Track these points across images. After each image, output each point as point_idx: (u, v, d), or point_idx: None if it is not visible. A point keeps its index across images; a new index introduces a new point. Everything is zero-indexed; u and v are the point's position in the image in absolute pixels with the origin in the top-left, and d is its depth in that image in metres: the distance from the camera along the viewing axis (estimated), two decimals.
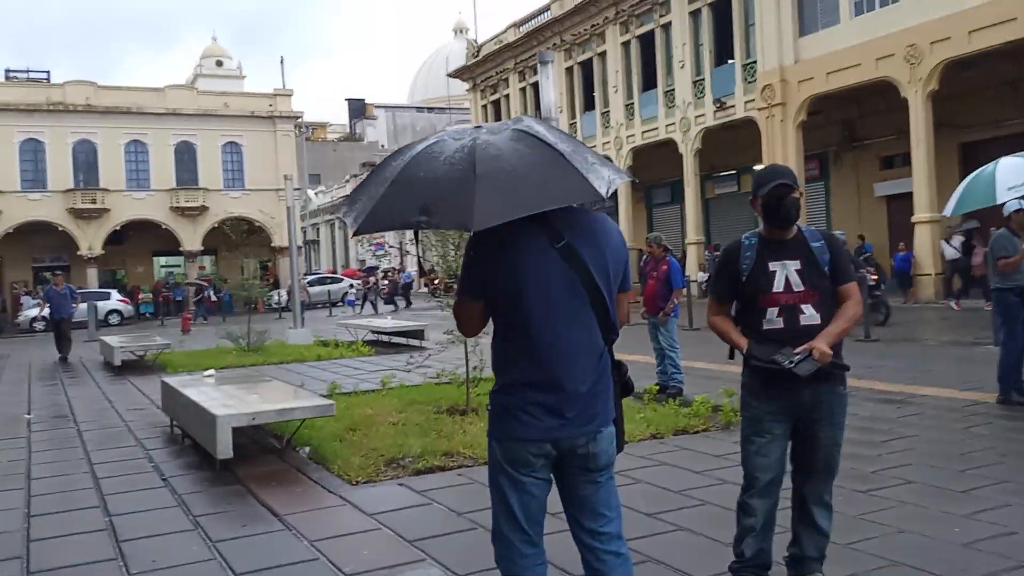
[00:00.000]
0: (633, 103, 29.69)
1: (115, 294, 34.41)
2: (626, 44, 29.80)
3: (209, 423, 6.39)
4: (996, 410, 7.22)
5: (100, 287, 36.72)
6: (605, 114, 31.10)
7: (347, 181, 54.11)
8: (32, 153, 38.92)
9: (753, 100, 24.28)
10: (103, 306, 30.92)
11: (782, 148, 22.94)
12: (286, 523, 5.00)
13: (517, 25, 35.44)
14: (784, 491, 3.50)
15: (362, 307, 32.53)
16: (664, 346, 8.90)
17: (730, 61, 25.66)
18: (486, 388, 6.95)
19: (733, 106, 25.31)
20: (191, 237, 41.12)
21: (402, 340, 16.17)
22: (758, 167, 22.03)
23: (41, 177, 38.95)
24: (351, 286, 37.21)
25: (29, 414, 9.94)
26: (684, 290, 10.52)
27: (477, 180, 2.29)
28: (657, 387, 8.59)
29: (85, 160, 39.79)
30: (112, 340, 15.61)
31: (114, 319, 32.21)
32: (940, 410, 7.36)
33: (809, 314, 3.28)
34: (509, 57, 36.08)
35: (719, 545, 4.04)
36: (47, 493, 6.03)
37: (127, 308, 33.82)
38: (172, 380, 8.60)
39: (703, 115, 26.43)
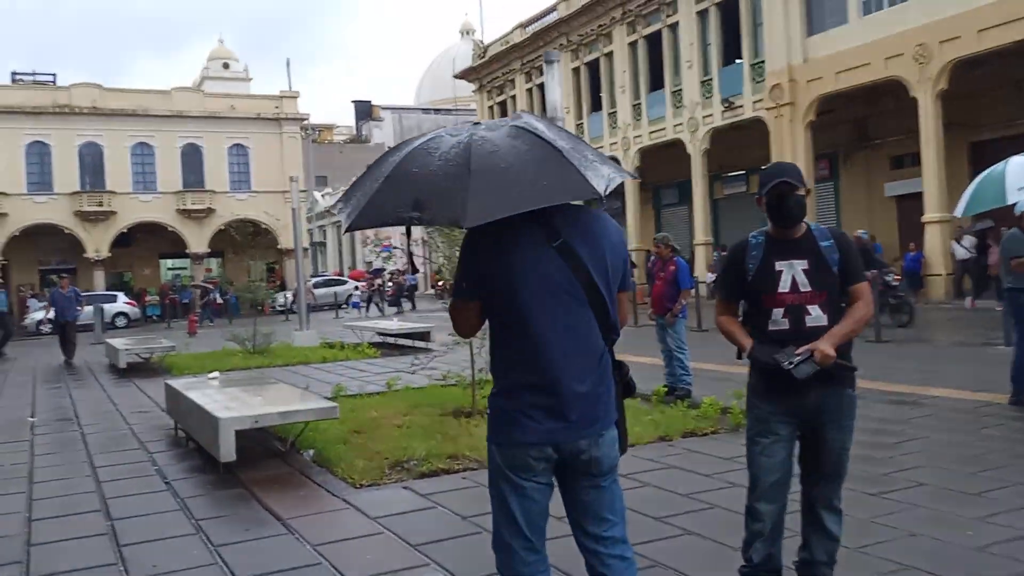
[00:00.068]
0: (640, 103, 29.61)
1: (122, 297, 34.52)
2: (633, 44, 29.72)
3: (212, 426, 6.34)
4: (1009, 411, 7.11)
5: (107, 290, 36.82)
6: (612, 115, 31.02)
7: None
8: (38, 156, 39.05)
9: (761, 100, 24.17)
10: (110, 309, 31.00)
11: (791, 148, 22.83)
12: (289, 527, 4.94)
13: (523, 26, 35.39)
14: (793, 494, 3.42)
15: (367, 309, 32.52)
16: (672, 347, 8.81)
17: (738, 61, 25.56)
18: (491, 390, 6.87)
19: (741, 106, 25.20)
20: (198, 239, 41.19)
21: (408, 342, 16.12)
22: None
23: (47, 180, 39.07)
24: (356, 288, 37.19)
25: (33, 417, 9.92)
26: (692, 291, 10.43)
27: (471, 176, 2.24)
28: (665, 389, 8.51)
29: (91, 163, 39.89)
30: (117, 342, 15.60)
31: (121, 322, 32.30)
32: (952, 411, 7.27)
33: (816, 315, 3.20)
34: (516, 58, 36.04)
35: (728, 549, 3.97)
36: (49, 497, 5.99)
37: (134, 311, 33.93)
38: (176, 383, 8.56)
39: (711, 115, 26.33)
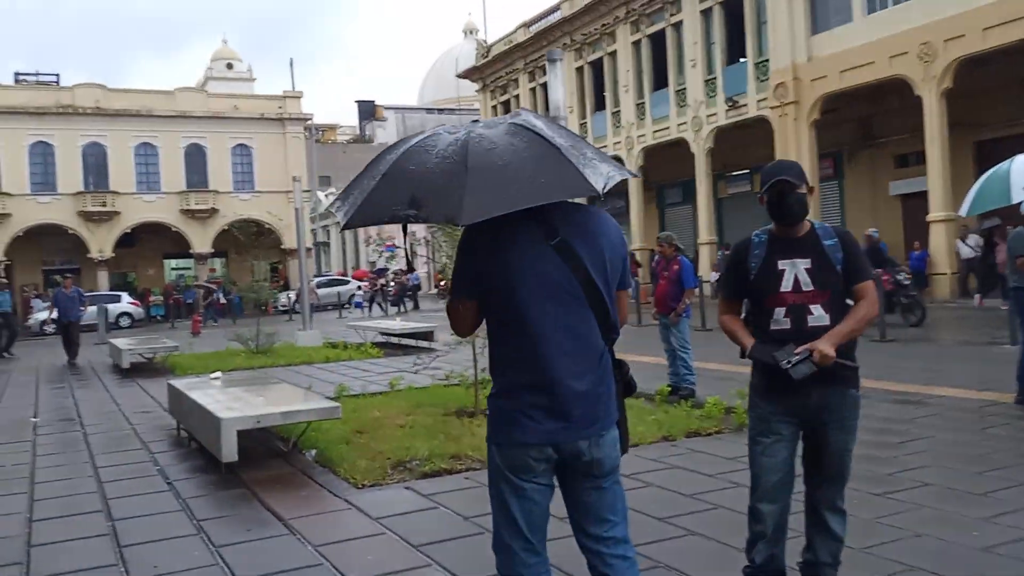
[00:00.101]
0: (644, 103, 29.55)
1: (126, 297, 34.56)
2: (637, 43, 29.67)
3: (214, 426, 6.32)
4: (1014, 410, 7.07)
5: (111, 290, 36.86)
6: (616, 114, 30.96)
7: None
8: (41, 156, 39.13)
9: (766, 99, 24.11)
10: (114, 309, 31.06)
11: (795, 147, 22.76)
12: (290, 527, 4.92)
13: (527, 25, 35.35)
14: (798, 495, 3.39)
15: (370, 309, 32.52)
16: (676, 347, 8.78)
17: (742, 60, 25.49)
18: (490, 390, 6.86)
19: (745, 105, 25.14)
20: (201, 239, 41.24)
21: (411, 342, 16.11)
22: None
23: (51, 180, 39.16)
24: (359, 288, 37.18)
25: (35, 417, 9.91)
26: (696, 290, 10.40)
27: (468, 174, 2.22)
28: (669, 388, 8.48)
29: (95, 163, 39.96)
30: (121, 343, 15.60)
31: (125, 322, 32.33)
32: (957, 411, 7.22)
33: (818, 315, 3.16)
34: (519, 57, 36.00)
35: (732, 550, 3.94)
36: (50, 497, 5.98)
37: (138, 311, 33.96)
38: (178, 383, 8.54)
39: (715, 114, 26.27)
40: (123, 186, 40.18)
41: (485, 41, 40.70)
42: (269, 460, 6.76)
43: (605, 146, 30.93)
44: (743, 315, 3.41)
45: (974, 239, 18.87)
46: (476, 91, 41.90)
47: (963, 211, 9.04)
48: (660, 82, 28.83)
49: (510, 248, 2.45)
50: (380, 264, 36.20)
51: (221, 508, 5.54)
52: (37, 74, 45.12)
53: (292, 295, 33.18)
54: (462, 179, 2.22)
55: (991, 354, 10.58)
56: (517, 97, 36.63)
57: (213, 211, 41.11)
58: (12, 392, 12.77)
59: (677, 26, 27.67)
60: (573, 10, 31.81)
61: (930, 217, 19.72)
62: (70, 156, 39.40)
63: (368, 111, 77.40)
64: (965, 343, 12.14)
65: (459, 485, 5.59)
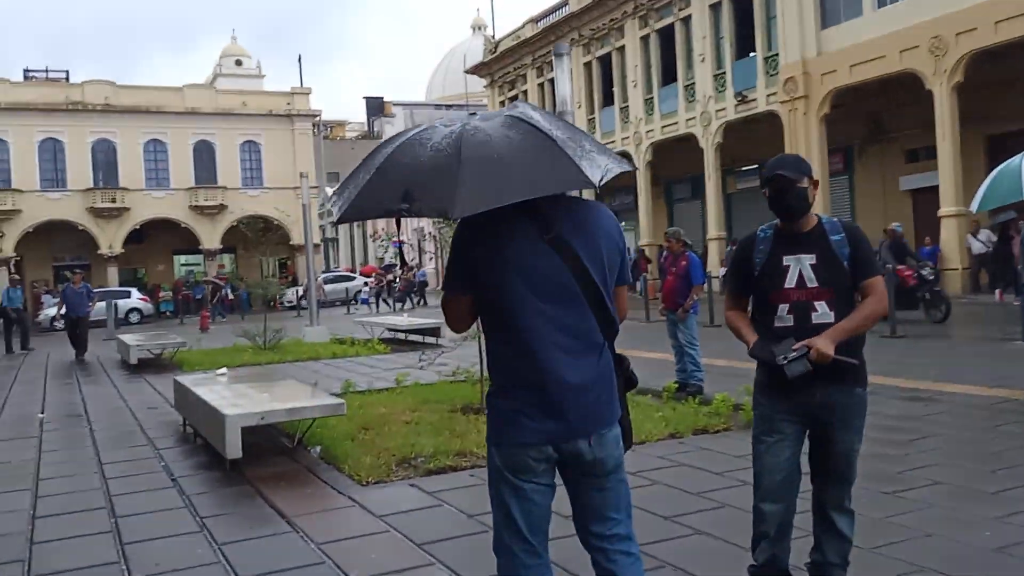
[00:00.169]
0: (652, 98, 29.43)
1: (135, 292, 34.64)
2: (645, 38, 29.54)
3: (218, 422, 6.30)
4: None
5: (121, 285, 36.98)
6: (624, 109, 30.86)
7: None
8: (51, 152, 39.27)
9: (775, 93, 23.97)
10: (123, 304, 31.15)
11: (805, 142, 22.63)
12: (294, 525, 4.88)
13: (535, 20, 35.25)
14: (805, 494, 3.33)
15: (377, 305, 32.51)
16: (683, 343, 8.71)
17: (751, 54, 25.35)
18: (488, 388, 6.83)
19: (755, 99, 25.00)
20: (210, 236, 41.33)
21: (418, 338, 16.08)
22: None
23: (61, 176, 39.31)
24: (365, 284, 37.17)
25: (42, 413, 9.92)
26: (704, 286, 10.33)
27: (462, 166, 2.17)
28: (676, 385, 8.41)
29: (104, 159, 40.09)
30: (129, 338, 15.62)
31: (134, 317, 32.41)
32: (969, 408, 7.14)
33: (822, 312, 3.08)
34: (527, 53, 35.90)
35: (739, 549, 3.87)
36: (54, 494, 5.96)
37: (147, 306, 34.05)
38: (184, 379, 8.53)
39: (724, 109, 26.14)
40: (132, 182, 40.30)
41: (493, 37, 40.61)
42: (274, 456, 6.74)
43: (613, 141, 30.83)
44: (751, 311, 3.35)
45: (985, 234, 18.72)
46: (484, 87, 41.84)
47: (974, 207, 8.94)
48: (669, 77, 28.70)
49: (503, 243, 2.39)
50: (389, 260, 36.17)
51: (224, 505, 5.51)
52: (47, 71, 45.23)
53: (299, 291, 33.20)
54: (455, 172, 2.17)
55: (1003, 350, 10.48)
56: (525, 92, 36.54)
57: (222, 207, 41.19)
58: (20, 388, 12.79)
59: (686, 20, 27.53)
60: (581, 5, 31.69)
61: (941, 212, 19.58)
62: (79, 152, 39.54)
63: (376, 107, 77.35)
64: (977, 339, 12.04)
65: (464, 483, 5.54)
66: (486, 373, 8.07)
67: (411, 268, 32.28)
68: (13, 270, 36.38)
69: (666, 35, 28.62)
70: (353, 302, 35.01)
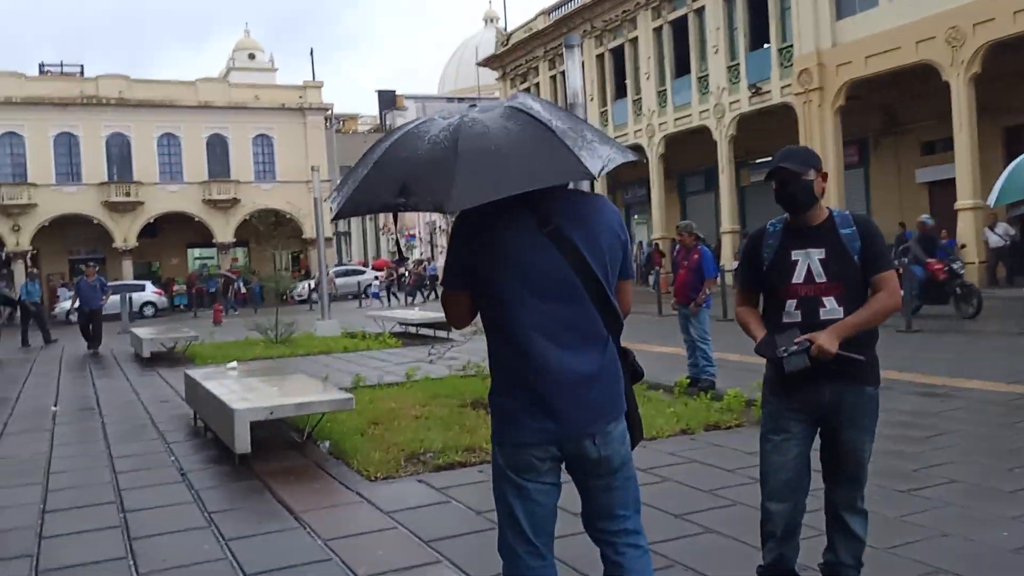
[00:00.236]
0: (666, 90, 29.26)
1: (150, 286, 34.80)
2: (658, 30, 29.35)
3: (227, 417, 6.28)
4: None
5: (135, 279, 37.15)
6: (637, 101, 30.69)
7: None
8: (66, 147, 39.46)
9: (789, 85, 23.77)
10: (138, 298, 31.30)
11: (820, 134, 22.44)
12: (301, 521, 4.86)
13: (547, 12, 35.08)
14: (819, 491, 3.26)
15: (388, 299, 32.54)
16: (695, 337, 8.64)
17: (766, 45, 25.15)
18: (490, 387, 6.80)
19: (769, 91, 24.80)
20: (223, 229, 41.45)
21: (429, 332, 16.05)
22: None
23: (76, 171, 39.51)
24: (375, 278, 37.20)
25: (55, 406, 9.95)
26: (717, 280, 10.25)
27: (458, 159, 2.12)
28: (688, 380, 8.35)
29: (119, 153, 40.26)
30: (142, 332, 15.68)
31: (149, 311, 32.58)
32: (986, 404, 7.04)
33: (830, 307, 3.01)
34: (539, 45, 35.76)
35: (751, 548, 3.81)
36: (65, 488, 5.97)
37: (161, 300, 34.20)
38: (195, 373, 8.53)
39: (738, 101, 25.95)
40: (146, 176, 40.45)
41: (505, 29, 40.48)
42: (283, 451, 6.72)
43: (626, 134, 30.68)
44: (761, 307, 3.29)
45: (1003, 227, 18.51)
46: (496, 79, 41.70)
47: (991, 201, 8.82)
48: (682, 69, 28.52)
49: (500, 237, 2.34)
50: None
51: (233, 500, 5.50)
52: (61, 65, 45.38)
53: (310, 284, 33.27)
54: (452, 165, 2.11)
55: (1021, 345, 10.34)
56: (537, 85, 36.41)
57: (235, 201, 41.29)
58: (34, 381, 12.86)
59: (699, 12, 27.33)
60: None
61: (958, 205, 19.37)
62: (94, 146, 39.72)
63: (389, 101, 77.33)
64: (994, 333, 11.88)
65: (472, 478, 5.50)
66: None
67: (407, 260, 32.26)
68: (30, 264, 36.67)
69: (679, 26, 28.42)
70: (364, 296, 35.06)
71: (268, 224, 17.60)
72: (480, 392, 8.05)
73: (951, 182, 19.90)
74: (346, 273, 39.89)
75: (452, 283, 2.47)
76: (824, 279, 3.03)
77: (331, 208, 2.44)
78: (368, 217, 58.64)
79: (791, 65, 23.73)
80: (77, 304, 17.85)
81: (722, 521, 4.42)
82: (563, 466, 2.48)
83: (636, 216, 35.12)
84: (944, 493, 4.68)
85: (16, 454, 7.32)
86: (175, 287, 37.74)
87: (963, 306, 13.41)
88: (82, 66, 45.10)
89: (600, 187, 31.94)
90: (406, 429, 6.87)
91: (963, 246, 18.36)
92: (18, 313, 20.34)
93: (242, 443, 6.10)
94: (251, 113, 42.68)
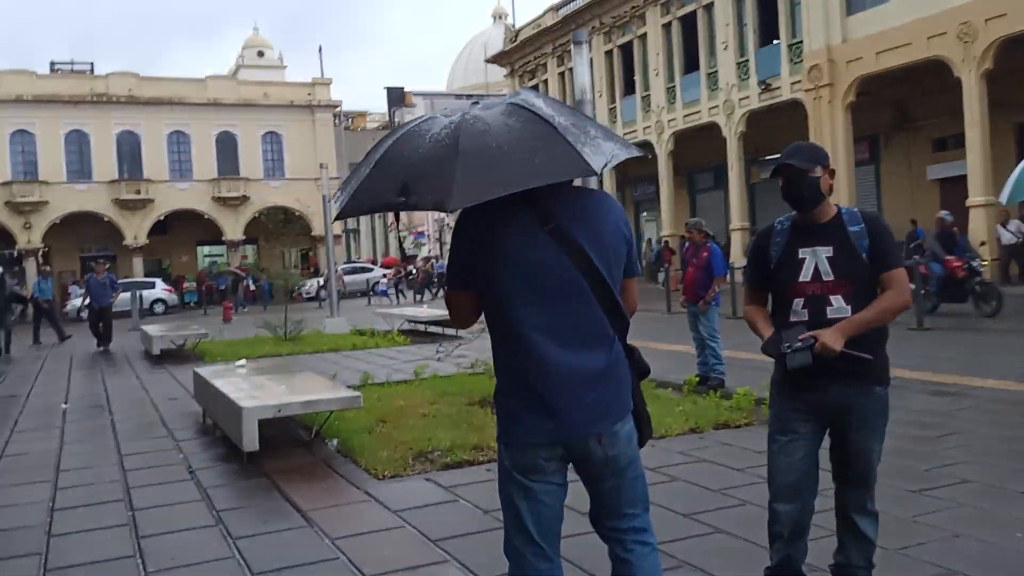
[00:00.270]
0: (675, 86, 29.15)
1: (160, 283, 34.92)
2: (667, 26, 29.25)
3: (236, 415, 6.28)
4: None
5: (145, 276, 37.32)
6: (646, 98, 30.59)
7: None
8: (77, 144, 39.68)
9: (800, 81, 23.64)
10: (148, 295, 31.43)
11: (830, 130, 22.32)
12: (309, 519, 4.86)
13: (555, 9, 34.99)
14: (828, 491, 3.23)
15: (397, 296, 32.54)
16: (705, 336, 8.60)
17: (775, 41, 25.01)
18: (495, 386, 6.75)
19: (779, 88, 24.68)
20: (233, 227, 41.59)
21: (438, 329, 16.04)
22: None
23: (86, 168, 39.73)
24: (383, 276, 37.23)
25: (66, 404, 9.99)
26: (726, 278, 10.19)
27: (459, 157, 2.09)
28: (697, 378, 8.32)
29: (129, 151, 40.46)
30: (151, 329, 15.73)
31: (159, 308, 32.70)
32: (998, 403, 6.98)
33: (838, 306, 2.96)
34: (547, 42, 35.68)
35: (760, 549, 3.77)
36: (74, 486, 5.98)
37: (171, 297, 34.32)
38: (204, 370, 8.54)
39: (747, 97, 25.84)
40: (156, 174, 40.63)
41: (513, 26, 40.41)
42: (292, 449, 6.72)
43: (635, 131, 30.59)
44: (771, 306, 3.25)
45: (1015, 224, 18.36)
46: (505, 76, 41.66)
47: (1003, 199, 8.72)
48: (691, 65, 28.41)
49: (501, 236, 2.32)
50: (409, 250, 36.21)
51: (241, 498, 5.50)
52: (72, 63, 45.62)
53: (318, 282, 33.31)
54: (452, 163, 2.09)
55: None
56: (546, 82, 36.35)
57: (244, 198, 41.43)
58: (45, 378, 12.91)
59: (708, 8, 27.21)
60: None
61: (969, 202, 19.24)
62: (104, 144, 39.91)
63: (397, 97, 77.31)
64: (1007, 331, 11.78)
65: (480, 477, 5.47)
66: None
67: (416, 256, 32.22)
68: (42, 261, 36.85)
69: (688, 23, 28.31)
70: (372, 293, 35.10)
71: (277, 222, 17.64)
72: (488, 390, 8.02)
73: (963, 179, 19.77)
74: (354, 271, 39.94)
75: (455, 283, 2.45)
76: (831, 277, 2.99)
77: (334, 207, 2.43)
78: (377, 214, 58.67)
79: (801, 61, 23.61)
80: (87, 301, 17.89)
81: (731, 521, 4.39)
82: (570, 466, 2.47)
83: (645, 213, 35.04)
84: (956, 493, 4.63)
85: (26, 451, 7.34)
86: (185, 284, 37.87)
87: (982, 304, 13.13)
88: (92, 64, 45.37)
89: (608, 184, 31.88)
90: (414, 427, 6.86)
91: (983, 243, 18.19)
92: (29, 310, 20.40)
93: (250, 441, 6.10)
94: (260, 110, 42.80)
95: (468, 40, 78.31)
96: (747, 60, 25.91)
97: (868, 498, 3.15)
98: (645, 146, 29.25)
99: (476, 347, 9.13)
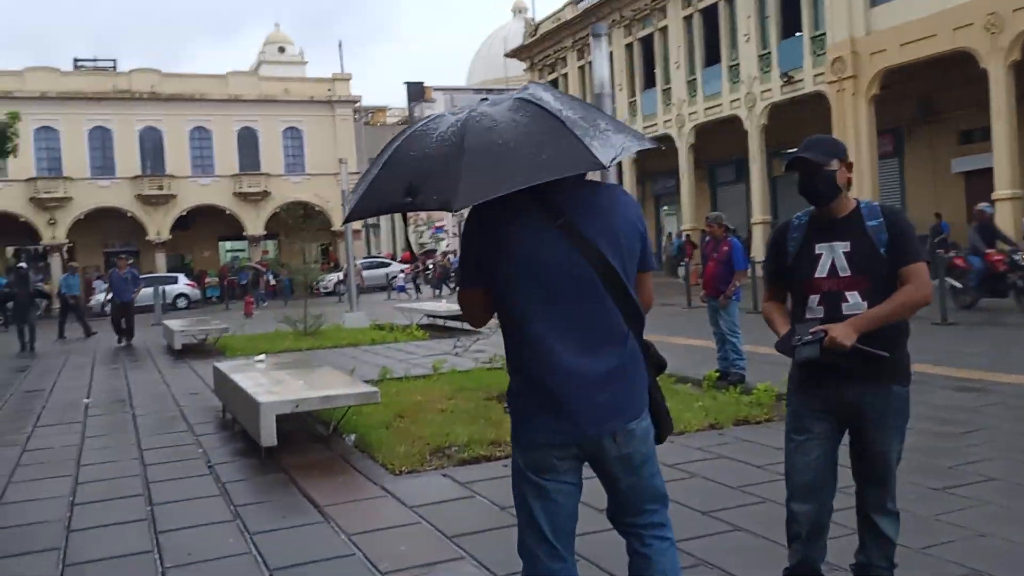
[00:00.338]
0: (695, 79, 28.96)
1: (182, 278, 35.19)
2: (688, 18, 29.05)
3: (254, 410, 6.30)
4: None
5: (168, 271, 37.63)
6: (666, 91, 30.41)
7: None
8: (100, 140, 40.05)
9: (822, 74, 23.40)
10: (171, 290, 31.69)
11: (853, 123, 22.07)
12: (326, 515, 4.85)
13: (575, 2, 34.84)
14: (849, 488, 3.16)
15: (417, 291, 32.57)
16: (725, 331, 8.53)
17: (798, 33, 24.77)
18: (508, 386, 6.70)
19: (801, 80, 24.44)
20: (254, 222, 41.81)
21: (457, 324, 16.04)
22: None
23: (110, 164, 40.09)
24: (401, 271, 37.26)
25: (88, 398, 10.08)
26: (747, 272, 10.09)
27: (464, 155, 2.06)
28: (717, 374, 8.24)
29: (151, 147, 40.78)
30: (173, 324, 15.84)
31: (182, 303, 32.98)
32: (1023, 399, 6.86)
33: (854, 302, 2.89)
34: (567, 35, 35.56)
35: (779, 547, 3.71)
36: (94, 480, 6.02)
37: (194, 292, 34.58)
38: (223, 365, 8.58)
39: (769, 90, 25.61)
40: (179, 170, 40.93)
41: (533, 19, 40.29)
42: (309, 444, 6.74)
43: (655, 124, 30.43)
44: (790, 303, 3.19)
45: None
46: (524, 70, 41.56)
47: None
48: (712, 58, 28.21)
49: (509, 233, 2.28)
50: (429, 245, 36.23)
51: (258, 494, 5.51)
52: (95, 60, 46.09)
53: (336, 277, 33.43)
54: (458, 161, 2.06)
55: None
56: (565, 76, 36.24)
57: (265, 194, 41.64)
58: (68, 373, 13.03)
59: (730, 0, 26.97)
60: None
61: (995, 195, 18.95)
62: (127, 140, 40.26)
63: (417, 92, 77.35)
64: None
65: (497, 473, 5.45)
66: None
67: (434, 252, 32.20)
68: (67, 256, 37.28)
69: (710, 15, 28.10)
70: (390, 288, 35.15)
71: (297, 217, 17.69)
72: (506, 385, 7.99)
73: (988, 172, 19.49)
74: (372, 265, 40.02)
75: (466, 281, 2.43)
76: (848, 273, 2.92)
77: (343, 210, 2.42)
78: None
79: (824, 53, 23.36)
80: (110, 296, 18.03)
81: (750, 519, 4.33)
82: (585, 464, 2.43)
83: (665, 207, 34.85)
84: (981, 491, 4.55)
85: (49, 445, 7.41)
86: (207, 279, 38.13)
87: (1023, 299, 12.68)
88: (115, 61, 45.78)
89: (628, 178, 31.73)
90: (431, 422, 6.85)
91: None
92: (53, 306, 20.60)
93: (268, 436, 6.12)
94: (281, 106, 42.98)
95: (488, 34, 78.20)
96: (769, 52, 25.68)
97: (888, 498, 3.08)
98: (665, 140, 29.07)
99: (494, 342, 9.08)
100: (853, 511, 3.21)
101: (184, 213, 41.07)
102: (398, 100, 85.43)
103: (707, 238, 9.23)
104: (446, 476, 5.52)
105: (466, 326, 15.37)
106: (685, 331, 12.66)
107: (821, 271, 2.96)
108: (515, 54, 40.96)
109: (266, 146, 42.66)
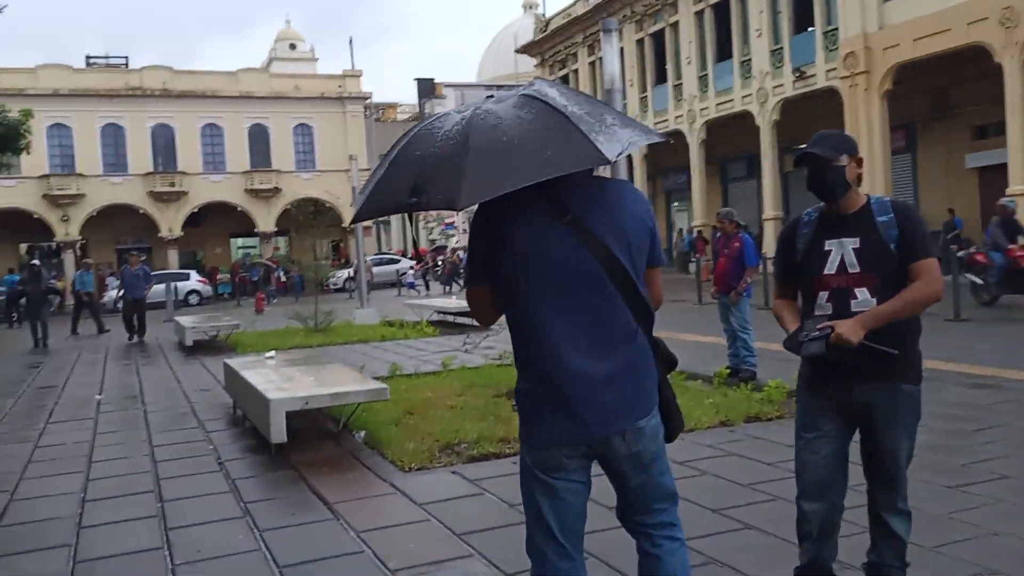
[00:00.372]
0: (707, 74, 28.82)
1: (194, 275, 35.37)
2: (699, 14, 28.91)
3: (264, 406, 6.31)
4: None
5: (180, 268, 37.79)
6: (678, 87, 30.29)
7: None
8: (112, 137, 40.24)
9: (835, 69, 23.24)
10: (183, 286, 31.85)
11: (866, 118, 21.92)
12: (335, 512, 4.86)
13: None
14: (861, 486, 3.13)
15: (427, 287, 32.60)
16: (736, 327, 8.49)
17: (810, 28, 24.61)
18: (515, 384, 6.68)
19: (814, 75, 24.28)
20: (265, 218, 41.95)
21: (466, 320, 16.02)
22: None
23: (122, 161, 40.29)
24: (411, 267, 37.30)
25: (100, 395, 10.13)
26: (758, 268, 10.05)
27: (469, 153, 2.04)
28: (728, 370, 8.20)
29: (163, 144, 40.96)
30: (185, 320, 15.89)
31: (194, 299, 33.13)
32: None
33: (863, 299, 2.85)
34: (578, 31, 35.46)
35: (790, 546, 3.68)
36: (105, 477, 6.04)
37: (206, 288, 34.75)
38: (234, 362, 8.59)
39: (781, 85, 25.46)
40: (190, 166, 41.10)
41: (543, 15, 40.20)
42: (319, 441, 6.74)
43: (666, 120, 30.33)
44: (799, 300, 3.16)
45: None
46: (535, 66, 41.47)
47: None
48: (724, 53, 28.07)
49: (515, 230, 2.26)
50: (440, 242, 36.21)
51: (268, 490, 5.51)
52: (107, 57, 46.21)
53: (347, 273, 33.50)
54: (463, 160, 2.04)
55: None
56: (576, 72, 36.14)
57: (276, 190, 41.76)
58: (81, 369, 13.10)
59: None
60: None
61: (1009, 191, 18.77)
62: (139, 137, 40.44)
63: (428, 89, 77.32)
64: None
65: (506, 470, 5.43)
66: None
67: (444, 248, 32.15)
68: (80, 253, 37.48)
69: (721, 10, 27.96)
70: (400, 284, 35.19)
71: (308, 213, 17.72)
72: (515, 382, 7.99)
73: (1003, 167, 19.32)
74: (381, 262, 40.07)
75: (473, 279, 2.41)
76: (857, 269, 2.89)
77: (351, 210, 2.41)
78: None
79: (836, 48, 23.20)
80: (122, 292, 18.11)
81: (761, 517, 4.31)
82: (593, 462, 2.42)
83: (677, 203, 34.73)
84: (995, 489, 4.51)
85: (61, 442, 7.44)
86: (219, 276, 38.29)
87: None
88: (127, 58, 46.04)
89: (639, 174, 31.64)
90: (441, 419, 6.85)
91: None
92: (66, 303, 20.72)
93: (278, 433, 6.12)
94: (291, 103, 43.08)
95: (498, 30, 78.08)
96: (781, 48, 25.53)
97: (898, 497, 3.05)
98: (676, 135, 28.97)
99: (504, 338, 9.04)
100: (865, 509, 3.18)
101: (196, 210, 41.23)
102: (409, 97, 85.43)
103: (718, 234, 9.19)
104: (455, 473, 5.51)
105: (476, 323, 15.39)
106: (696, 327, 12.62)
107: (830, 267, 2.92)
108: (525, 50, 40.87)
109: (277, 143, 42.78)
